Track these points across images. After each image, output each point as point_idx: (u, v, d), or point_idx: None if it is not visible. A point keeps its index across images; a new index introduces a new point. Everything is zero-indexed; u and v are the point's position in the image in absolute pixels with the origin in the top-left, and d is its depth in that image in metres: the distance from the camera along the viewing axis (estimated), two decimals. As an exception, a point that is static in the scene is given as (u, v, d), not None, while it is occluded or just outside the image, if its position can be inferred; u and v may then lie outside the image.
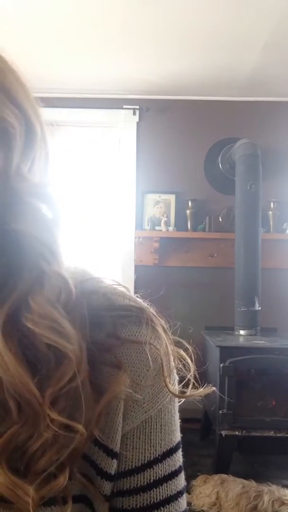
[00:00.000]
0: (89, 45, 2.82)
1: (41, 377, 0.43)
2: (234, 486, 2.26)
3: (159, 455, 0.50)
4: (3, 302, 0.44)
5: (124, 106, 3.49)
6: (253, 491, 2.19)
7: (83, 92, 3.47)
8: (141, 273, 3.51)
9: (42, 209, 0.47)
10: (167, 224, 3.43)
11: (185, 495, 0.52)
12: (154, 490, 0.49)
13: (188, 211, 3.46)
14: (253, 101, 3.55)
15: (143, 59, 2.99)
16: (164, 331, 0.52)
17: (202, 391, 0.53)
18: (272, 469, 2.76)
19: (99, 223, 3.51)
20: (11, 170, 0.45)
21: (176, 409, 0.53)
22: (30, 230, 0.45)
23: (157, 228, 3.45)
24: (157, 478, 0.50)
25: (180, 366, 0.53)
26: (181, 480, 0.52)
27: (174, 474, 0.51)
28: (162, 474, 0.50)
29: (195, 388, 0.53)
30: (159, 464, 0.50)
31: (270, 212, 3.47)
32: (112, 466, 0.48)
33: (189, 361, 0.53)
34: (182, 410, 0.54)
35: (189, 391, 0.53)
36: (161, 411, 0.51)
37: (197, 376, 0.53)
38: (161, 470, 0.50)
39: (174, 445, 0.52)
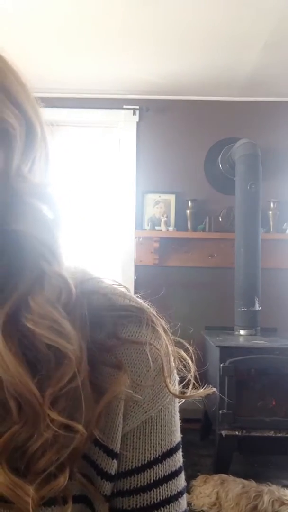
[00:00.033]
0: (89, 45, 2.82)
1: (41, 377, 0.43)
2: (234, 486, 2.26)
3: (159, 456, 0.50)
4: (4, 302, 0.44)
5: (124, 106, 3.49)
6: (253, 491, 2.18)
7: (83, 92, 3.47)
8: (141, 273, 3.50)
9: (42, 209, 0.47)
10: (167, 224, 3.43)
11: (185, 496, 0.52)
12: (154, 490, 0.49)
13: (188, 211, 3.46)
14: (253, 101, 3.55)
15: (143, 59, 2.99)
16: (165, 331, 0.52)
17: (202, 391, 0.53)
18: (272, 469, 2.76)
19: (99, 223, 3.50)
20: (11, 170, 0.45)
21: (177, 409, 0.53)
22: (30, 231, 0.45)
23: (157, 228, 3.45)
24: (157, 478, 0.50)
25: (180, 366, 0.53)
26: (181, 481, 0.52)
27: (174, 474, 0.51)
28: (162, 475, 0.50)
29: (195, 388, 0.53)
30: (159, 464, 0.50)
31: (270, 212, 3.47)
32: (112, 466, 0.48)
33: (190, 361, 0.53)
34: (182, 410, 0.54)
35: (190, 391, 0.53)
36: (162, 412, 0.51)
37: (197, 376, 0.53)
38: (161, 471, 0.50)
39: (174, 445, 0.52)
